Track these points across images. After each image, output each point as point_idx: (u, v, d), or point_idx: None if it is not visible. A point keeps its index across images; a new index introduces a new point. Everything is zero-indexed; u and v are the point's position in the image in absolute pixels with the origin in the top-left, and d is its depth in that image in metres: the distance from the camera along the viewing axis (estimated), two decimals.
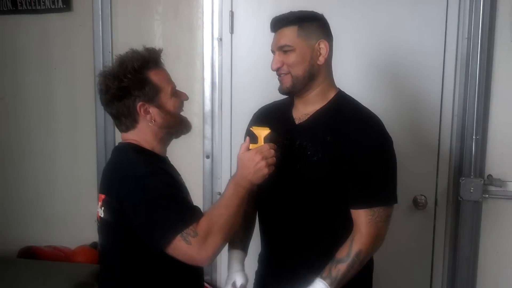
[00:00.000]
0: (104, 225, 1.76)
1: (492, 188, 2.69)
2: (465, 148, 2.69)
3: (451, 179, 2.77)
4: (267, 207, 1.99)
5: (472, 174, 2.67)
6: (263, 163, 1.71)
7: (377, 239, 1.82)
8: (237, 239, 2.01)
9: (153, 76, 1.74)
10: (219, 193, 2.98)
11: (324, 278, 1.75)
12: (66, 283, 2.76)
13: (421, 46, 2.70)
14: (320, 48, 1.84)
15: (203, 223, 1.62)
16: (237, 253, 2.01)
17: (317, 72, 1.86)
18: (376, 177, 1.82)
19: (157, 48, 1.81)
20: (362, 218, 1.80)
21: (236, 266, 1.97)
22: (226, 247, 1.94)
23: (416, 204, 2.77)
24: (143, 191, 1.64)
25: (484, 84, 2.63)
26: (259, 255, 2.09)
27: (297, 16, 1.85)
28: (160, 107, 1.75)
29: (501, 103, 2.67)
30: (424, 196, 2.77)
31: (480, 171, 2.69)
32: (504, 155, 2.70)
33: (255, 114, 2.12)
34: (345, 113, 1.87)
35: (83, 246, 3.19)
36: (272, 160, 1.74)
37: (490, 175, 2.70)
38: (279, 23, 1.86)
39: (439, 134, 2.74)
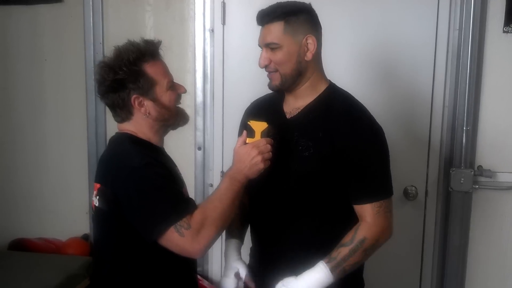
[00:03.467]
0: (98, 215, 1.77)
1: (482, 179, 2.71)
2: (456, 139, 2.71)
3: (442, 170, 2.79)
4: (258, 202, 1.99)
5: (462, 165, 2.69)
6: (259, 158, 1.71)
7: (386, 229, 1.83)
8: (235, 228, 2.02)
9: (149, 68, 1.73)
10: (211, 185, 2.98)
11: (326, 262, 1.76)
12: (57, 275, 2.75)
13: (413, 38, 2.71)
14: (307, 43, 1.81)
15: (196, 216, 1.62)
16: (235, 242, 2.00)
17: (305, 67, 1.83)
18: (376, 171, 1.83)
19: (155, 40, 1.80)
20: (369, 211, 1.79)
21: (235, 254, 1.97)
22: (221, 237, 1.95)
23: (407, 194, 2.79)
24: (138, 181, 1.64)
25: (475, 76, 2.64)
26: (251, 249, 2.08)
27: (283, 10, 1.80)
28: (155, 100, 1.75)
29: (492, 95, 2.69)
30: (415, 187, 2.79)
31: (470, 162, 2.71)
32: (494, 146, 2.72)
33: (247, 109, 2.10)
34: (336, 107, 1.85)
35: (74, 238, 3.18)
36: (268, 155, 1.74)
37: (480, 166, 2.72)
38: (265, 18, 1.82)
39: (430, 125, 2.76)
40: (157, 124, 1.79)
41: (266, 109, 1.98)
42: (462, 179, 2.67)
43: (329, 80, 1.94)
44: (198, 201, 2.96)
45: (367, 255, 1.81)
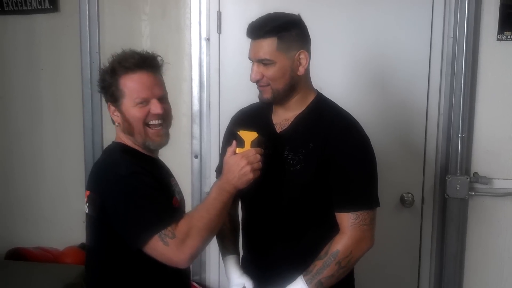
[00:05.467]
0: (88, 221, 1.80)
1: (478, 185, 2.71)
2: (451, 146, 2.71)
3: (438, 177, 2.79)
4: (252, 215, 1.99)
5: (458, 172, 2.69)
6: (248, 168, 1.69)
7: (361, 242, 1.81)
8: (229, 244, 2.02)
9: (124, 80, 1.75)
10: (208, 193, 2.97)
11: (304, 275, 1.79)
12: (54, 284, 2.76)
13: (407, 45, 2.72)
14: (300, 58, 1.81)
15: (182, 225, 1.63)
16: (233, 258, 2.01)
17: (297, 82, 1.84)
18: (358, 181, 1.82)
19: (151, 53, 1.82)
20: (345, 221, 1.80)
21: (237, 270, 1.97)
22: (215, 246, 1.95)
23: (403, 202, 2.80)
24: (124, 189, 1.66)
25: (469, 83, 2.65)
26: (242, 258, 2.07)
27: (275, 24, 1.78)
28: (121, 111, 1.78)
29: (487, 101, 2.70)
30: (411, 194, 2.80)
31: (466, 169, 2.72)
32: (489, 152, 2.72)
33: (234, 117, 2.10)
34: (324, 118, 1.86)
35: (71, 247, 3.18)
36: (258, 165, 1.72)
37: (476, 173, 2.72)
38: (257, 33, 1.80)
39: (425, 132, 2.77)
40: (128, 136, 1.81)
41: (254, 119, 1.96)
42: (458, 186, 2.67)
43: (317, 90, 1.95)
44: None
45: (342, 267, 1.80)
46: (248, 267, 2.01)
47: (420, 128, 2.76)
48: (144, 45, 2.93)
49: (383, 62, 2.74)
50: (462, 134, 2.67)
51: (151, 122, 1.78)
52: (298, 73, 1.82)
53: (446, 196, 2.71)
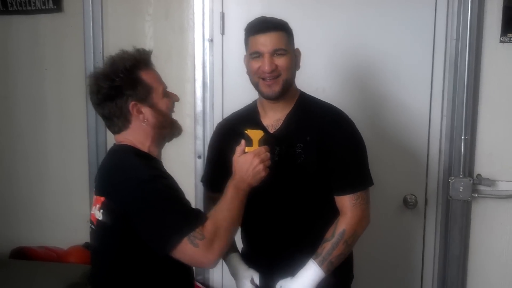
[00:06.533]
0: (101, 228, 1.72)
1: (481, 187, 2.70)
2: (454, 148, 2.71)
3: (441, 179, 2.78)
4: (256, 211, 1.99)
5: (461, 173, 2.69)
6: (261, 166, 1.76)
7: (362, 219, 1.94)
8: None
9: (144, 76, 1.74)
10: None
11: (314, 258, 1.88)
12: (58, 283, 2.76)
13: (410, 47, 2.72)
14: (297, 55, 1.98)
15: (209, 226, 1.63)
16: (236, 256, 2.07)
17: (293, 77, 1.99)
18: (355, 165, 1.96)
19: (147, 49, 1.81)
20: (347, 203, 1.92)
21: (243, 264, 2.04)
22: None
23: (406, 203, 2.79)
24: (148, 194, 1.63)
25: (472, 85, 2.64)
26: (243, 253, 2.12)
27: (281, 22, 1.93)
28: (152, 106, 1.75)
29: (490, 103, 2.68)
30: (414, 196, 2.79)
31: (469, 171, 2.71)
32: (493, 154, 2.72)
33: (218, 127, 2.19)
34: (314, 112, 1.99)
35: (75, 246, 3.19)
36: (269, 162, 1.79)
37: (479, 175, 2.72)
38: (268, 25, 1.90)
39: (429, 134, 2.76)
40: (153, 132, 1.77)
41: (243, 125, 1.96)
42: (461, 187, 2.67)
43: (299, 89, 2.07)
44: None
45: (348, 245, 1.92)
46: (250, 261, 2.06)
47: (423, 130, 2.76)
48: (148, 45, 2.91)
49: (386, 64, 2.74)
50: (465, 136, 2.66)
51: (172, 112, 1.84)
52: (297, 68, 1.99)
53: (449, 198, 2.71)
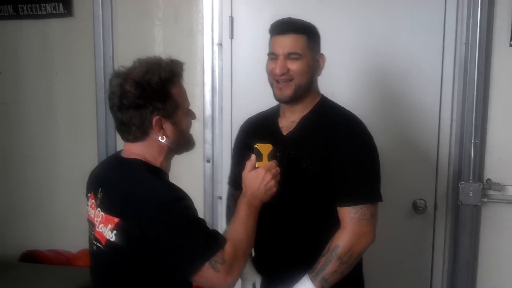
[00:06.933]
0: (115, 250, 1.62)
1: (491, 192, 2.69)
2: (464, 152, 2.69)
3: (450, 183, 2.77)
4: (261, 216, 1.94)
5: (471, 178, 2.67)
6: (273, 182, 1.73)
7: (361, 236, 1.83)
8: None
9: (175, 90, 1.66)
10: (220, 197, 2.99)
11: (309, 273, 1.83)
12: (67, 286, 2.78)
13: (420, 51, 2.71)
14: (319, 61, 1.93)
15: (228, 249, 1.59)
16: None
17: (312, 83, 1.94)
18: (358, 175, 1.86)
19: (180, 61, 1.71)
20: (345, 215, 1.84)
21: (251, 268, 2.02)
22: None
23: (416, 208, 2.78)
24: (169, 218, 1.55)
25: (482, 89, 2.63)
26: (253, 259, 2.09)
27: (304, 25, 1.89)
28: (175, 123, 1.68)
29: (500, 108, 2.67)
30: (424, 200, 2.78)
31: (479, 175, 2.70)
32: (503, 159, 2.70)
33: (242, 127, 2.17)
34: (328, 117, 1.94)
35: (84, 250, 3.16)
36: (279, 177, 1.76)
37: (489, 179, 2.70)
38: (287, 27, 1.87)
39: (438, 138, 2.75)
40: (168, 148, 1.70)
41: (261, 126, 2.01)
42: (471, 192, 2.65)
43: (322, 93, 2.02)
44: (207, 213, 3.01)
45: (344, 263, 1.81)
46: (258, 268, 2.05)
47: (433, 134, 2.75)
48: (157, 50, 2.96)
49: (395, 68, 2.73)
50: (475, 140, 2.65)
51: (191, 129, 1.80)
52: (317, 74, 1.94)
53: (459, 202, 2.69)
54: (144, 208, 1.56)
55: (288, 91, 1.89)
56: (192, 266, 1.55)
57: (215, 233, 1.64)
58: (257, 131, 2.00)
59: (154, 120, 1.63)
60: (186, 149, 1.81)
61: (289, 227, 1.95)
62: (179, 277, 1.60)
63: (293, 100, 1.92)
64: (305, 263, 1.87)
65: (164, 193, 1.58)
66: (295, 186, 1.89)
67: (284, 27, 1.88)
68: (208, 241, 1.58)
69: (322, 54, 1.95)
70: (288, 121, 1.97)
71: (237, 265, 1.61)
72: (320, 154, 1.86)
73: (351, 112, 1.97)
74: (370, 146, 1.90)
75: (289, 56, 1.86)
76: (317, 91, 2.00)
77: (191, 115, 1.77)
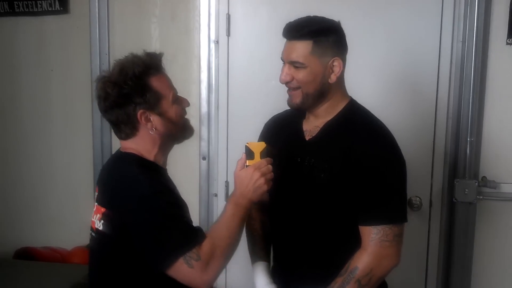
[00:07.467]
0: (102, 237, 1.69)
1: (486, 189, 2.70)
2: (460, 150, 2.71)
3: (446, 181, 2.78)
4: (278, 226, 1.94)
5: (466, 175, 2.69)
6: (262, 180, 1.67)
7: (382, 259, 1.72)
8: (260, 249, 1.97)
9: (155, 82, 1.68)
10: (215, 195, 2.99)
11: None
12: (62, 284, 2.76)
13: (417, 49, 2.72)
14: (333, 65, 1.75)
15: (205, 247, 1.59)
16: (262, 265, 1.94)
17: (328, 89, 1.78)
18: (381, 193, 1.71)
19: (157, 52, 1.75)
20: (366, 235, 1.71)
21: (264, 277, 1.90)
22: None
23: (411, 205, 2.79)
24: (148, 210, 1.59)
25: (478, 87, 2.65)
26: (272, 268, 1.99)
27: (313, 29, 1.73)
28: (161, 114, 1.70)
29: (496, 106, 2.69)
30: (419, 198, 2.79)
31: (474, 173, 2.71)
32: (498, 157, 2.72)
33: (266, 124, 2.05)
34: (353, 124, 1.79)
35: (79, 247, 3.19)
36: (271, 175, 1.69)
37: (484, 177, 2.72)
38: (292, 34, 1.75)
39: (434, 136, 2.76)
40: (161, 140, 1.74)
41: (284, 127, 1.92)
42: (466, 190, 2.67)
43: (350, 96, 1.89)
44: (203, 210, 3.01)
45: (363, 286, 1.70)
46: (276, 279, 1.93)
47: (429, 131, 2.75)
48: (154, 47, 2.94)
49: (392, 66, 2.74)
50: (470, 138, 2.66)
51: (184, 115, 1.80)
52: (330, 80, 1.76)
53: (454, 200, 2.71)
54: (126, 200, 1.63)
55: (297, 99, 1.78)
56: (166, 260, 1.57)
57: (195, 230, 1.63)
58: (280, 131, 1.90)
59: (138, 114, 1.67)
60: (183, 137, 1.81)
61: (305, 237, 1.84)
62: (155, 269, 1.61)
63: (305, 107, 1.82)
64: (322, 279, 1.77)
65: (146, 186, 1.62)
66: (311, 196, 1.79)
67: (290, 32, 1.75)
68: (185, 236, 1.59)
69: (337, 58, 1.75)
70: (312, 126, 1.85)
71: (214, 264, 1.59)
72: (340, 164, 1.73)
73: (379, 120, 1.83)
74: (397, 161, 1.76)
75: (293, 64, 1.75)
76: (343, 95, 1.85)
77: (181, 102, 1.78)
